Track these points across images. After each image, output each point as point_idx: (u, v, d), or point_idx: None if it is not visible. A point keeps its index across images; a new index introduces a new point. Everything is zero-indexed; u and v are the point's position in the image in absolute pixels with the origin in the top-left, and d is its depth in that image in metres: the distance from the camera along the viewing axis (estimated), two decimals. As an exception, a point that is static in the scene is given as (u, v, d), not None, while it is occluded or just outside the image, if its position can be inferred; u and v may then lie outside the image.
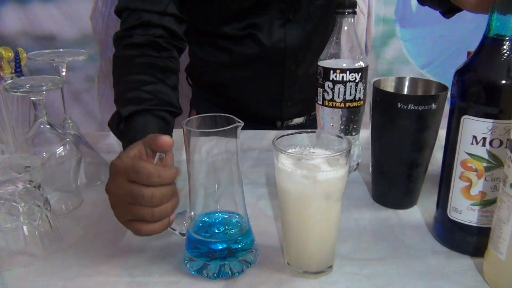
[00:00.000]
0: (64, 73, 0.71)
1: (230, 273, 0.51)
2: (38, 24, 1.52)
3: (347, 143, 0.49)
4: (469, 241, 0.54)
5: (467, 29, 1.53)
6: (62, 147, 0.65)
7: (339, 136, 0.51)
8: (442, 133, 0.63)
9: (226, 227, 0.54)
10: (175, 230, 0.53)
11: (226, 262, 0.51)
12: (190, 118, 0.51)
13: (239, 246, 0.52)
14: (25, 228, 0.55)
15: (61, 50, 0.73)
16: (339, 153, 0.48)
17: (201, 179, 0.52)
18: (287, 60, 0.94)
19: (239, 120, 0.50)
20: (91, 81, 1.61)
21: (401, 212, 0.64)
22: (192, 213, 0.53)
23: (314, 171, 0.47)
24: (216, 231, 0.53)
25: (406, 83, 0.67)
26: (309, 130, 0.52)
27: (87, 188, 0.73)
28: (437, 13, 0.83)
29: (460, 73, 0.51)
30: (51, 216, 0.57)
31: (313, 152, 0.51)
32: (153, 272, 0.53)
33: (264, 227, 0.61)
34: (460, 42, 1.55)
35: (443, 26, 1.59)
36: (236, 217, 0.54)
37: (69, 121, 0.73)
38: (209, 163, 0.51)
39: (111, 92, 0.72)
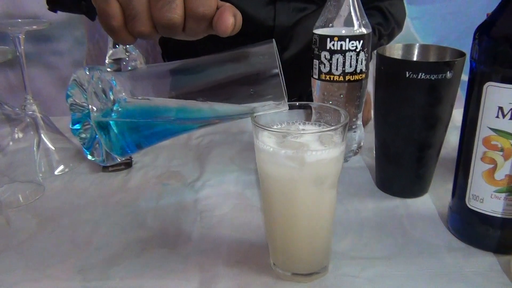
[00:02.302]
0: (22, 47, 0.62)
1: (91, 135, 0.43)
2: (21, 5, 1.46)
3: (343, 116, 0.40)
4: (493, 235, 0.47)
5: (479, 5, 1.45)
6: (18, 130, 0.57)
7: (335, 109, 0.42)
8: (456, 113, 0.54)
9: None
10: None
11: (96, 135, 0.43)
12: None
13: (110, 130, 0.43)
14: (-37, 223, 0.47)
15: (19, 20, 0.64)
16: (332, 128, 0.39)
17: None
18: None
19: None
20: (79, 66, 1.53)
21: (410, 202, 0.57)
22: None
23: (302, 150, 0.38)
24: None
25: (416, 51, 0.58)
26: (297, 103, 0.43)
27: (52, 176, 0.65)
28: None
29: (482, 31, 0.43)
30: (-3, 209, 0.49)
31: (303, 130, 0.43)
32: (112, 275, 0.44)
33: (249, 220, 0.54)
34: (472, 19, 1.46)
35: (454, 3, 1.52)
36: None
37: (31, 101, 0.65)
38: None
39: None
